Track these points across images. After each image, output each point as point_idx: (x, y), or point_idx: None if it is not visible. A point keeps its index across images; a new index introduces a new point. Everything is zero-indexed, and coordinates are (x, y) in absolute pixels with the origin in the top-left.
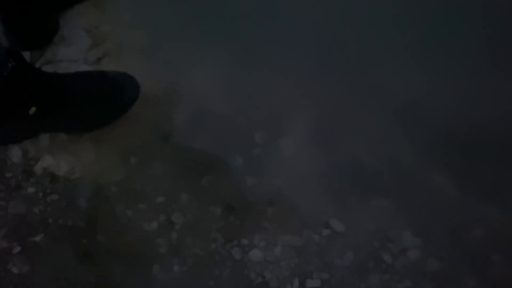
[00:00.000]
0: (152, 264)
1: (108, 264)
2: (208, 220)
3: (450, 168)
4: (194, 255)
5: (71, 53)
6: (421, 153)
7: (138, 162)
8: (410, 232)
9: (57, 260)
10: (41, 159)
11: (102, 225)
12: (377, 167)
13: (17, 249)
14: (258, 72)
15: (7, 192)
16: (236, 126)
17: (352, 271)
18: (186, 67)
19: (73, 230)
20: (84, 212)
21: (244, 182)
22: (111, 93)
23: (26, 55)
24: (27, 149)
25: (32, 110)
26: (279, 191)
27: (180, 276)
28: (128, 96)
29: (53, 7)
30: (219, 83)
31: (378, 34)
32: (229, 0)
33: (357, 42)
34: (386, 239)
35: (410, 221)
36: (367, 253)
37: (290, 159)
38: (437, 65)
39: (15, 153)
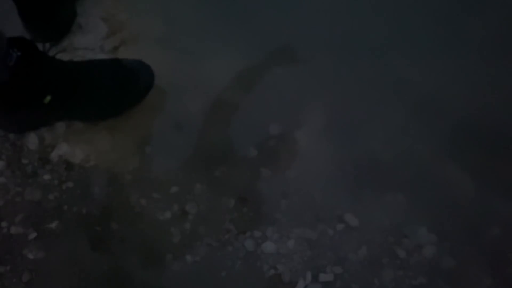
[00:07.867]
0: (165, 254)
1: (121, 252)
2: (222, 211)
3: (468, 164)
4: (207, 246)
5: (88, 42)
6: (439, 148)
7: (152, 152)
8: (426, 228)
9: (71, 247)
10: (57, 147)
11: (116, 213)
12: (393, 161)
13: (32, 235)
14: (274, 63)
15: (23, 178)
16: (251, 117)
17: (365, 266)
18: (202, 57)
19: (87, 218)
20: (99, 200)
21: (258, 173)
22: (126, 81)
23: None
24: (43, 136)
25: (47, 99)
26: (293, 183)
27: (192, 266)
28: (143, 84)
29: None
30: (235, 73)
31: (397, 25)
32: None
33: (375, 33)
34: (401, 234)
35: (426, 217)
36: (382, 248)
37: (305, 152)
38: (458, 58)
39: (31, 140)
